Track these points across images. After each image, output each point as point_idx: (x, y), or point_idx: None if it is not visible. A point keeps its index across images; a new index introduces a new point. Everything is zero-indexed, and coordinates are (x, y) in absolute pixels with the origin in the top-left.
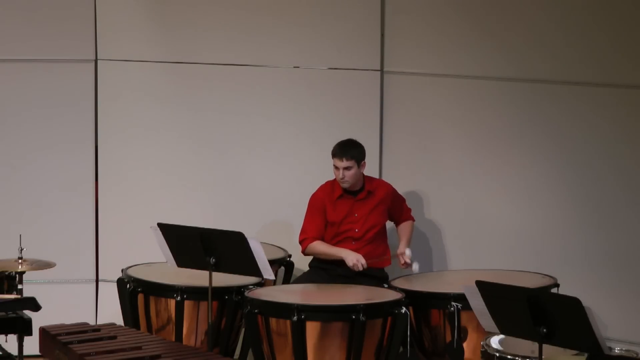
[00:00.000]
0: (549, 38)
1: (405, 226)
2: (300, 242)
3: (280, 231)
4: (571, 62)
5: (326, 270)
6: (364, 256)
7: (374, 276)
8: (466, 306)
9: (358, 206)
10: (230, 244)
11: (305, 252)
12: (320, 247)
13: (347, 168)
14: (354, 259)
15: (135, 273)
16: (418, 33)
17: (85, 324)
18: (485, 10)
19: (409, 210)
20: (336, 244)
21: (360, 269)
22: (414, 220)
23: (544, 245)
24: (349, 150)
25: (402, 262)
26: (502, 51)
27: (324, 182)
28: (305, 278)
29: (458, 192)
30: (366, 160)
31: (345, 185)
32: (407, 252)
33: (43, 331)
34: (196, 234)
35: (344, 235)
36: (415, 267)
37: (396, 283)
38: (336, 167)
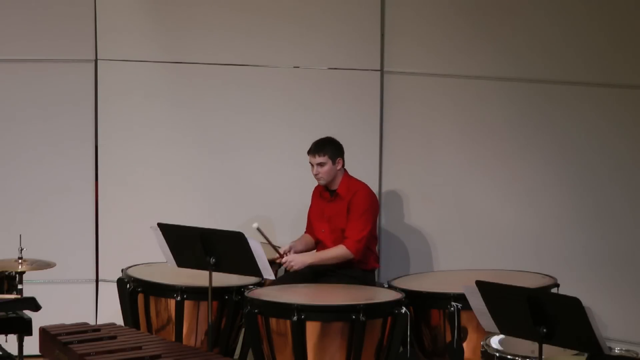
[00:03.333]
0: (549, 38)
1: (333, 248)
2: None
3: (280, 231)
4: (571, 62)
5: (311, 267)
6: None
7: (352, 276)
8: (466, 306)
9: (329, 207)
10: (230, 244)
11: None
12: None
13: (320, 164)
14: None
15: (135, 273)
16: (418, 33)
17: (85, 324)
18: (485, 11)
19: (358, 235)
20: (316, 242)
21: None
22: (351, 250)
23: (544, 245)
24: (322, 147)
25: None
26: (502, 51)
27: None
28: (293, 272)
29: (458, 191)
30: (366, 160)
31: (321, 182)
32: (290, 256)
33: (43, 331)
34: (196, 234)
35: (319, 235)
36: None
37: (396, 283)
38: (311, 164)
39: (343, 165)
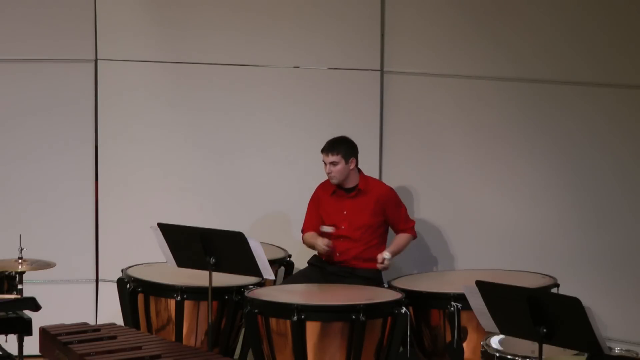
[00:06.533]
0: (549, 38)
1: (398, 237)
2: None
3: (280, 231)
4: (571, 62)
5: (321, 269)
6: (352, 255)
7: (366, 277)
8: (466, 306)
9: (348, 204)
10: (230, 244)
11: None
12: (307, 238)
13: (333, 163)
14: (321, 244)
15: (135, 273)
16: (418, 33)
17: (85, 324)
18: (485, 10)
19: (410, 222)
20: (332, 239)
21: (327, 248)
22: (413, 235)
23: (544, 245)
24: (335, 146)
25: (379, 263)
26: (502, 51)
27: (323, 181)
28: (300, 275)
29: (458, 192)
30: (366, 160)
31: (334, 181)
32: (386, 255)
33: (43, 331)
34: (196, 234)
35: (336, 232)
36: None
37: (396, 283)
38: (324, 162)
39: (356, 165)
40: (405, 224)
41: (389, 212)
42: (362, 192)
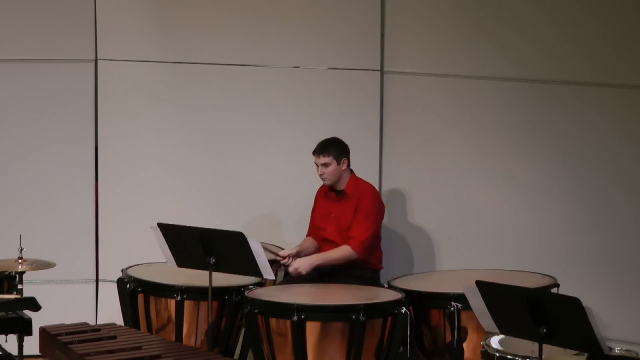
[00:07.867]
0: (549, 38)
1: (337, 247)
2: None
3: (280, 231)
4: (571, 62)
5: (317, 268)
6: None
7: (361, 277)
8: (466, 306)
9: (335, 207)
10: (230, 244)
11: None
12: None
13: (324, 165)
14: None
15: (135, 273)
16: (418, 33)
17: (85, 324)
18: (485, 10)
19: (360, 235)
20: (322, 240)
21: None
22: (355, 249)
23: (544, 245)
24: (326, 147)
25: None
26: (502, 51)
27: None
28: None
29: (458, 192)
30: (366, 160)
31: (326, 182)
32: (295, 262)
33: (43, 331)
34: (196, 234)
35: (322, 235)
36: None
37: (396, 283)
38: (316, 164)
39: (348, 166)
40: (355, 231)
41: (356, 211)
42: (348, 196)
